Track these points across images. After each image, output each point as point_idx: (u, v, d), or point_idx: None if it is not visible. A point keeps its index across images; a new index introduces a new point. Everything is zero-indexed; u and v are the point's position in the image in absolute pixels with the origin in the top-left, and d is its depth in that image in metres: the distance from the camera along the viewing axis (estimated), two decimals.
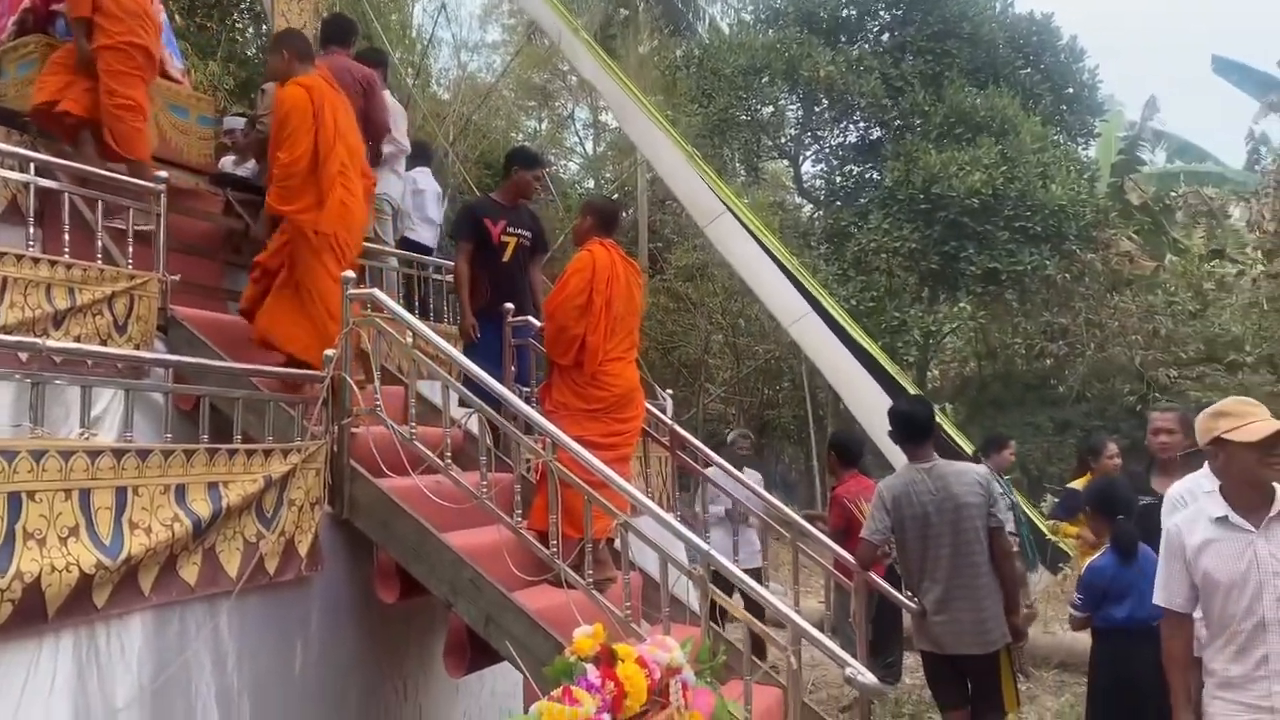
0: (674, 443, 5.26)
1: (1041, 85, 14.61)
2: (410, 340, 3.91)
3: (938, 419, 7.30)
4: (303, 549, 3.73)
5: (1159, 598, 3.01)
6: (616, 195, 21.20)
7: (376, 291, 3.97)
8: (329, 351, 3.84)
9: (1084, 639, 6.04)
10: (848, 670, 3.18)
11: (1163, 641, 3.02)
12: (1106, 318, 13.04)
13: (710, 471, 5.51)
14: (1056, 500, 9.44)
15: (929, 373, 16.13)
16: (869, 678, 3.18)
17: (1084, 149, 15.56)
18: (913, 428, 4.42)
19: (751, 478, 6.94)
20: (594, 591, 3.59)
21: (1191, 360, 12.62)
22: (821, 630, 4.79)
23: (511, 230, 5.20)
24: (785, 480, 19.58)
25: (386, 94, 5.83)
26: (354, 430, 3.87)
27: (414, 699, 4.32)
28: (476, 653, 3.76)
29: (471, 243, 5.14)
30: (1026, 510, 8.02)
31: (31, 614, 2.72)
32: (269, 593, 3.53)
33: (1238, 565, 2.79)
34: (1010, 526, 5.49)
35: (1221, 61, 17.43)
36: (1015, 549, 6.03)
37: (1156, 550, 3.15)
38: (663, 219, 17.38)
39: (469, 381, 3.97)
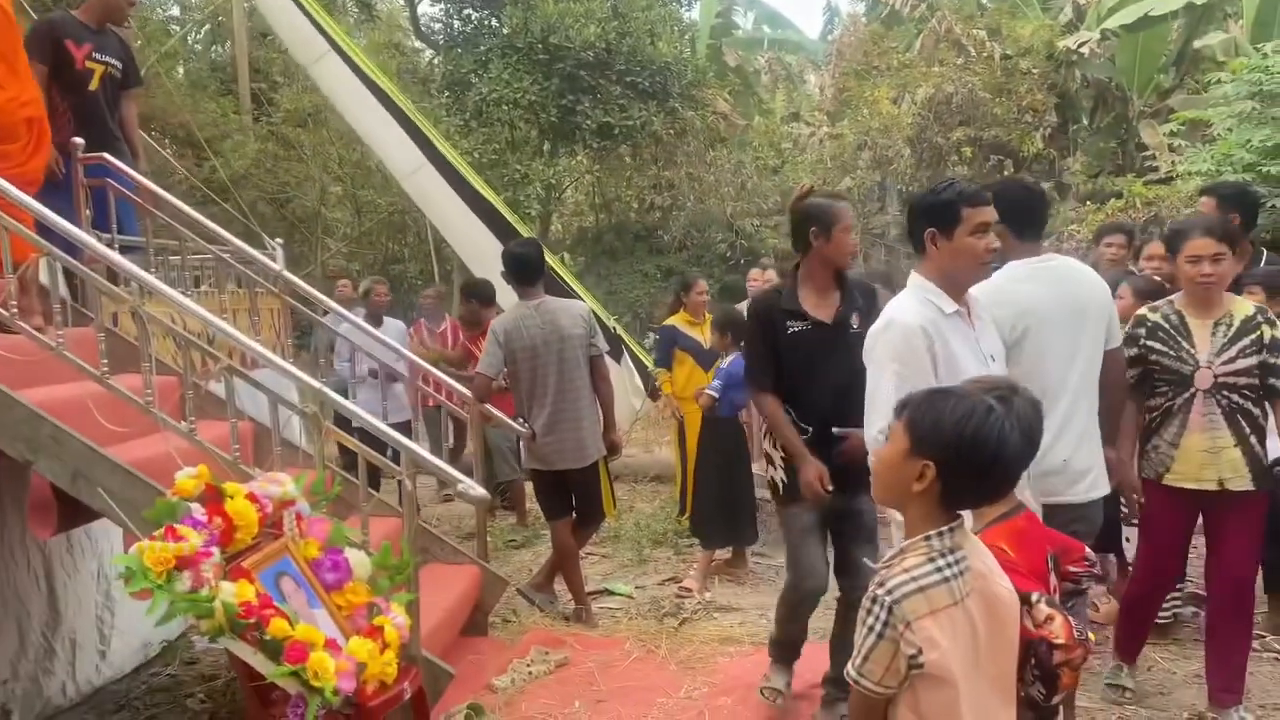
0: (284, 291, 5.09)
1: None
2: None
3: (555, 269, 7.78)
4: None
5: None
6: (208, 26, 18.98)
7: None
8: None
9: (668, 457, 6.99)
10: (459, 486, 3.45)
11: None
12: (704, 173, 14.30)
13: (344, 329, 5.44)
14: (656, 337, 10.48)
15: (551, 225, 16.71)
16: (478, 491, 3.47)
17: (686, 11, 16.51)
18: (523, 267, 4.70)
19: (394, 328, 6.94)
20: (197, 438, 3.50)
21: (770, 211, 14.31)
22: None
23: (98, 57, 4.55)
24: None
25: None
26: None
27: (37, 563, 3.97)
28: (68, 511, 3.53)
29: (48, 66, 4.43)
30: (634, 349, 8.81)
31: None
32: None
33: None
34: None
35: None
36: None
37: None
38: (268, 56, 15.90)
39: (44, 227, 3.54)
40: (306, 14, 8.32)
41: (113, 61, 4.68)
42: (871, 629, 1.65)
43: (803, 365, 3.40)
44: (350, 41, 9.14)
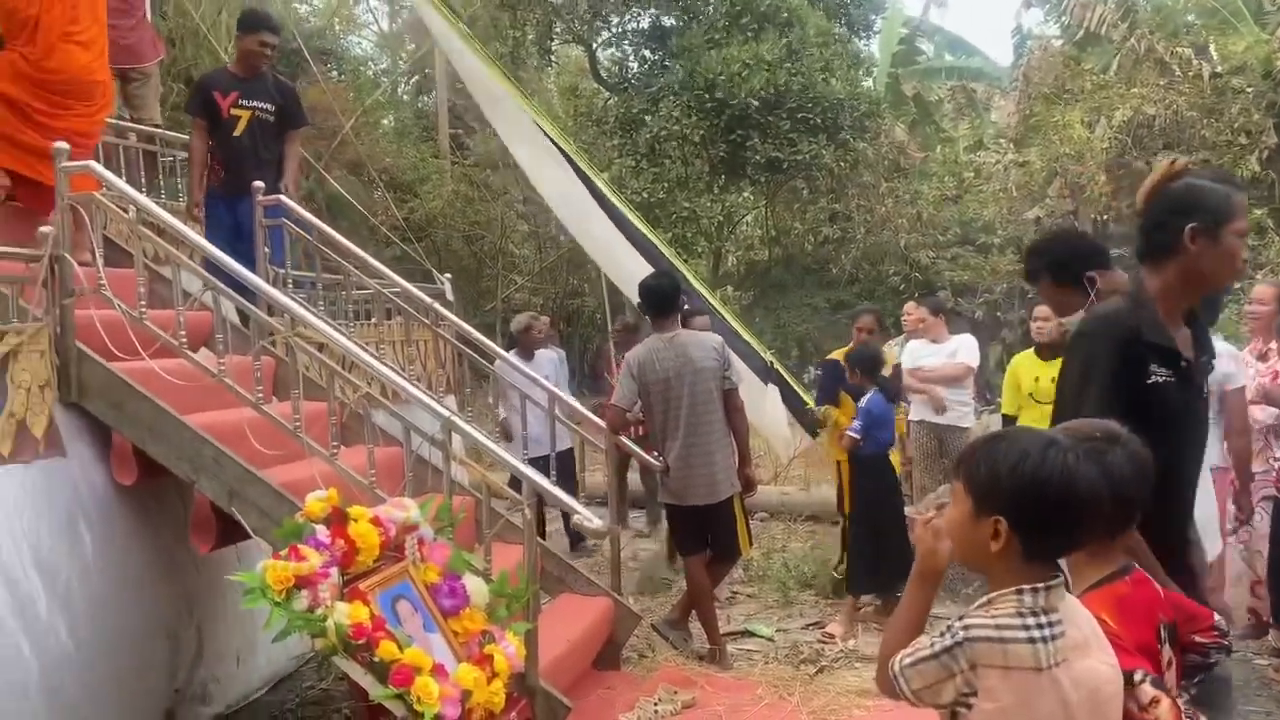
0: (435, 321, 5.31)
1: None
2: (134, 216, 3.76)
3: (711, 302, 7.75)
4: (37, 431, 3.60)
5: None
6: (415, 78, 20.41)
7: (94, 165, 3.77)
8: (44, 229, 3.65)
9: (825, 496, 6.77)
10: (575, 517, 3.46)
11: None
12: (878, 204, 13.94)
13: (498, 365, 5.66)
14: (818, 372, 10.21)
15: (723, 260, 16.76)
16: (595, 522, 3.48)
17: (864, 42, 16.25)
18: (657, 299, 4.72)
19: (547, 360, 7.12)
20: (338, 461, 3.69)
21: (949, 243, 13.74)
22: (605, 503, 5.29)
23: (244, 103, 4.95)
24: (594, 369, 20.06)
25: None
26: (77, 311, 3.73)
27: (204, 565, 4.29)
28: (226, 528, 3.80)
29: (202, 118, 4.88)
30: (791, 383, 8.62)
31: None
32: (17, 474, 3.39)
33: None
34: None
35: None
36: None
37: None
38: (465, 104, 16.91)
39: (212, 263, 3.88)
40: (479, 59, 8.71)
41: (261, 106, 5.02)
42: (932, 645, 1.54)
43: (1168, 437, 2.04)
44: (511, 85, 9.45)
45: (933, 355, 6.35)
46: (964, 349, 6.39)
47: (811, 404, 8.11)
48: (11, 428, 3.46)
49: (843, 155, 13.43)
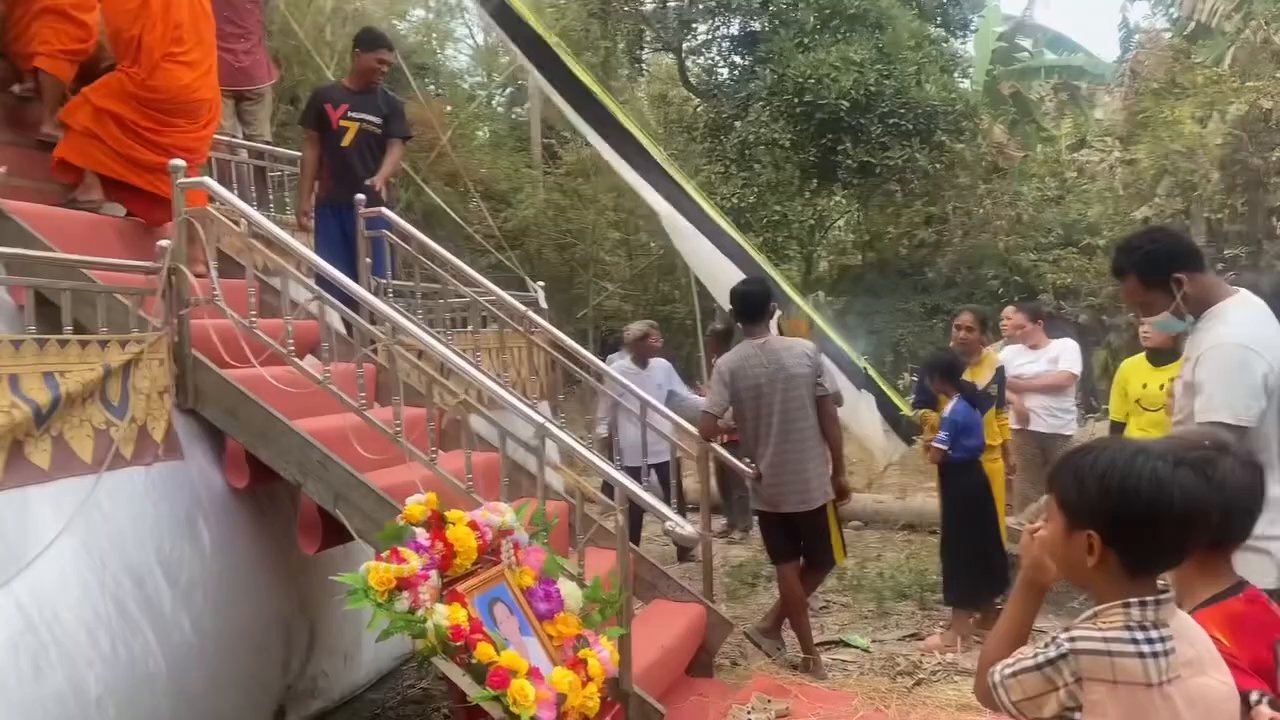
0: (528, 329, 5.39)
1: None
2: (245, 230, 3.93)
3: (802, 306, 7.68)
4: (157, 435, 3.79)
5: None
6: (510, 89, 20.81)
7: (208, 180, 3.96)
8: (163, 242, 3.84)
9: (931, 504, 6.63)
10: (666, 524, 3.47)
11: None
12: (975, 206, 13.57)
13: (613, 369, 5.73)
14: (915, 379, 9.98)
15: (814, 265, 16.57)
16: (687, 528, 3.48)
17: (961, 42, 15.87)
18: (749, 305, 4.70)
19: (660, 367, 7.16)
20: (437, 466, 3.78)
21: (1050, 245, 13.29)
22: (696, 509, 5.29)
23: (353, 115, 5.14)
24: (686, 375, 20.08)
25: None
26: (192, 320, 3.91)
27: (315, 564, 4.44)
28: (330, 530, 3.93)
29: (314, 129, 5.09)
30: (885, 389, 8.47)
31: None
32: (139, 477, 3.58)
33: None
34: None
35: None
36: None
37: None
38: (557, 115, 17.13)
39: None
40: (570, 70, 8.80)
41: (369, 118, 5.20)
42: (1035, 656, 1.50)
43: None
44: (601, 90, 9.49)
45: (1032, 362, 6.17)
46: (1065, 355, 6.18)
47: (908, 410, 7.95)
48: (133, 432, 3.65)
49: (938, 157, 13.14)
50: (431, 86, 16.76)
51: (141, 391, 3.72)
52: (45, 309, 3.62)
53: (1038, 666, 1.49)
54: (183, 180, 3.84)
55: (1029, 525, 1.65)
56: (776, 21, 14.01)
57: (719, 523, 7.71)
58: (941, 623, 5.32)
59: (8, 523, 2.97)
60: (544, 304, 6.34)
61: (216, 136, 5.12)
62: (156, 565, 3.40)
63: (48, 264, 3.75)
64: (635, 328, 7.31)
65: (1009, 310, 6.66)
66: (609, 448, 5.83)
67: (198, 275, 3.93)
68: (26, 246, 4.00)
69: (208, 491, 3.77)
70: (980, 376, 5.40)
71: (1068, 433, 6.10)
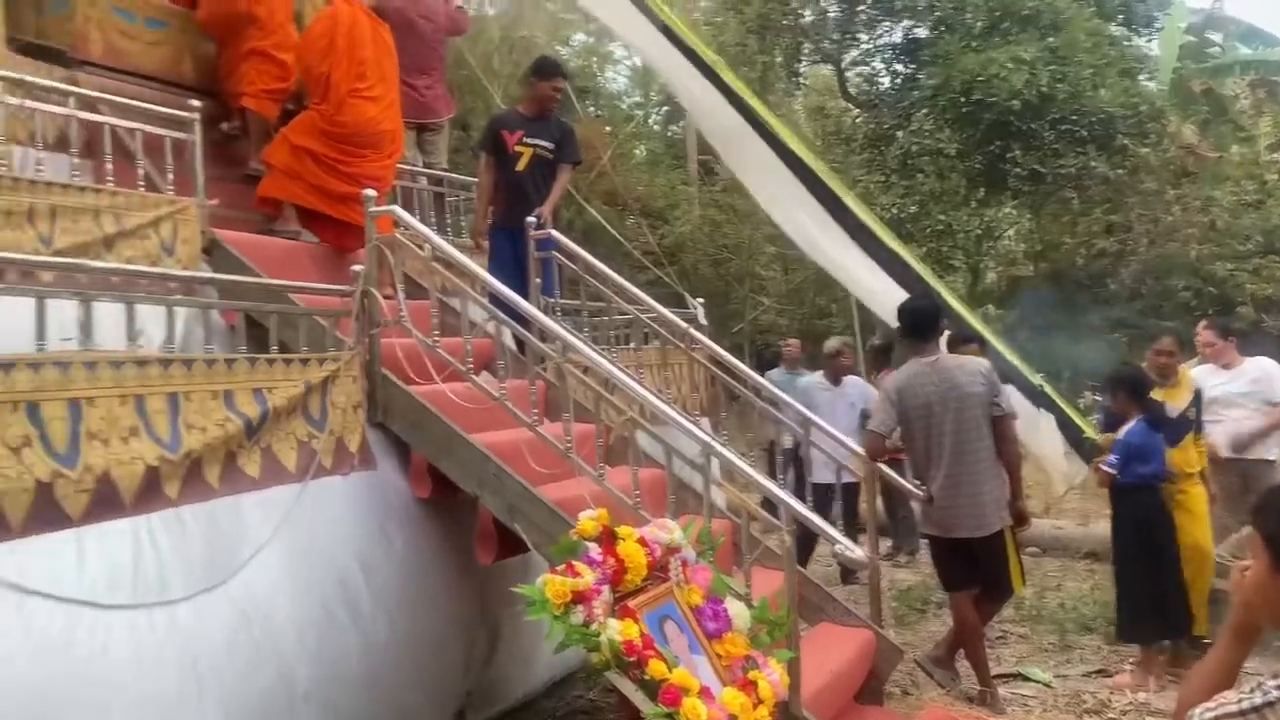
0: (689, 345, 5.42)
1: None
2: (428, 254, 4.15)
3: (970, 321, 7.39)
4: (352, 447, 4.05)
5: None
6: (666, 108, 21.08)
7: (397, 209, 4.20)
8: (356, 267, 4.11)
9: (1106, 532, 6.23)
10: (836, 546, 3.41)
11: None
12: (1162, 212, 12.70)
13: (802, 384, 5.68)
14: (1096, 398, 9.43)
15: (981, 276, 15.93)
16: (857, 552, 3.41)
17: (1146, 40, 14.93)
18: (919, 322, 4.57)
19: (855, 385, 7.07)
20: (605, 482, 3.86)
21: (1249, 253, 12.27)
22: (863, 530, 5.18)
23: (528, 140, 5.33)
24: None
25: None
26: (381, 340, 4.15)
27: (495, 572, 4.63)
28: (506, 541, 4.07)
29: (491, 154, 5.32)
30: (1065, 408, 8.03)
31: (111, 502, 3.00)
32: (338, 485, 3.80)
33: None
34: None
35: None
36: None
37: None
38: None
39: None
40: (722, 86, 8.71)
41: (542, 144, 5.38)
42: (1240, 702, 1.41)
43: None
44: (759, 104, 9.35)
45: (1227, 383, 5.66)
46: (1268, 381, 5.64)
47: (1091, 432, 7.52)
48: (331, 444, 3.91)
49: (1120, 163, 12.38)
50: (592, 108, 17.18)
51: (338, 406, 3.98)
52: (253, 330, 3.93)
53: (1241, 714, 1.41)
54: (374, 209, 4.10)
55: (1239, 562, 1.54)
56: (942, 26, 13.61)
57: (885, 545, 7.50)
58: (1131, 659, 4.99)
59: (224, 528, 3.23)
60: (704, 320, 6.38)
61: (399, 165, 5.44)
62: (357, 569, 3.62)
63: (256, 289, 4.07)
64: (830, 343, 7.23)
65: (1203, 325, 6.19)
66: (782, 459, 5.77)
67: (386, 297, 4.17)
68: (237, 273, 4.37)
69: (397, 500, 3.99)
70: (1178, 399, 5.05)
71: (1270, 457, 5.61)
